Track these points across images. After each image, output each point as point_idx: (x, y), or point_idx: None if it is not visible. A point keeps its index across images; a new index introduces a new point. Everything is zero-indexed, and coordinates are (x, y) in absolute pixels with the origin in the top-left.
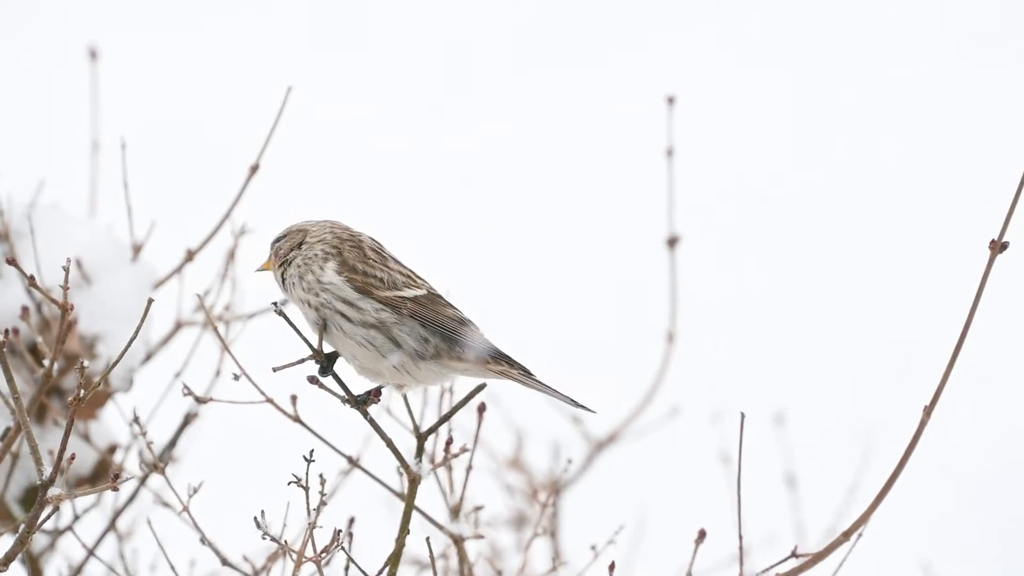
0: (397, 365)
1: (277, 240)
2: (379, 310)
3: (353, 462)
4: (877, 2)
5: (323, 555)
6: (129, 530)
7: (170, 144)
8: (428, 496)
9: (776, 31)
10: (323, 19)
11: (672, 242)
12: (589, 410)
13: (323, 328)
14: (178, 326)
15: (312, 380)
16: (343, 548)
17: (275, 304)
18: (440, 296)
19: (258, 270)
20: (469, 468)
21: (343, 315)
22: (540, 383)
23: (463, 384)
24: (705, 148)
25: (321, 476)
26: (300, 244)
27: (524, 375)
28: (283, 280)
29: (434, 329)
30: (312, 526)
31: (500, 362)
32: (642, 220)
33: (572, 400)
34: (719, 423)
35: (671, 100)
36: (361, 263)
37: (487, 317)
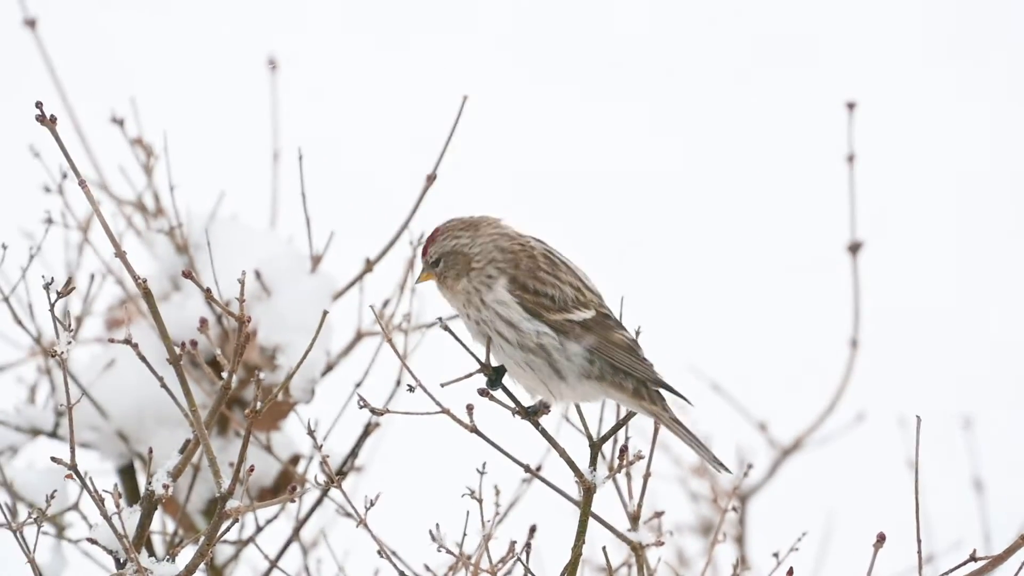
0: (554, 391)
1: (434, 263)
2: (541, 334)
3: (531, 471)
4: None
5: (498, 566)
6: (315, 541)
7: (349, 153)
8: (610, 504)
9: (972, 25)
10: (509, 30)
11: (854, 248)
12: (727, 470)
13: (489, 341)
14: (358, 336)
15: (482, 393)
16: (519, 559)
17: (440, 319)
18: (609, 315)
19: (418, 282)
20: (647, 475)
21: (502, 335)
22: (687, 433)
23: None
24: (889, 151)
25: (496, 487)
26: (470, 270)
27: (673, 421)
28: (454, 299)
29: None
30: (487, 537)
31: (655, 401)
32: (826, 226)
33: (713, 458)
34: (905, 428)
35: (851, 105)
36: (532, 280)
37: (661, 329)
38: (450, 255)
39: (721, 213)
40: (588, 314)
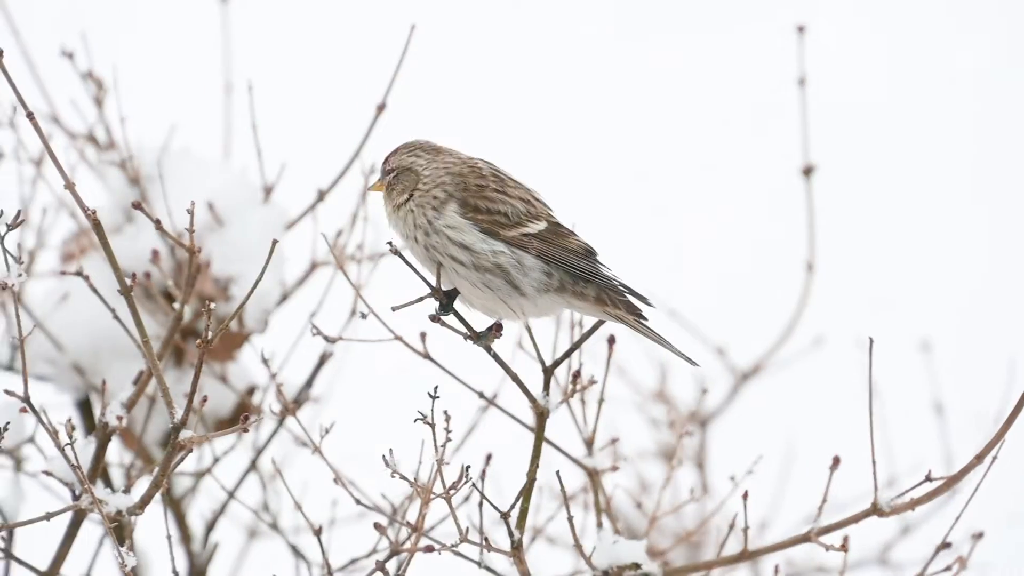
0: (515, 308)
1: (389, 172)
2: (497, 253)
3: (484, 397)
4: None
5: (451, 491)
6: (276, 470)
7: (300, 85)
8: (569, 431)
9: None
10: None
11: (808, 171)
12: (695, 363)
13: (439, 266)
14: (313, 267)
15: (433, 318)
16: (474, 485)
17: (390, 244)
18: (562, 226)
19: (370, 189)
20: (601, 400)
21: (455, 259)
22: (653, 332)
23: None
24: (839, 78)
25: (445, 413)
26: (414, 190)
27: (638, 321)
28: (395, 215)
29: (558, 263)
30: (440, 462)
31: (618, 305)
32: (782, 151)
33: (681, 353)
34: (863, 351)
35: (801, 29)
36: (482, 200)
37: (615, 256)
38: (405, 171)
39: (677, 141)
40: (541, 225)
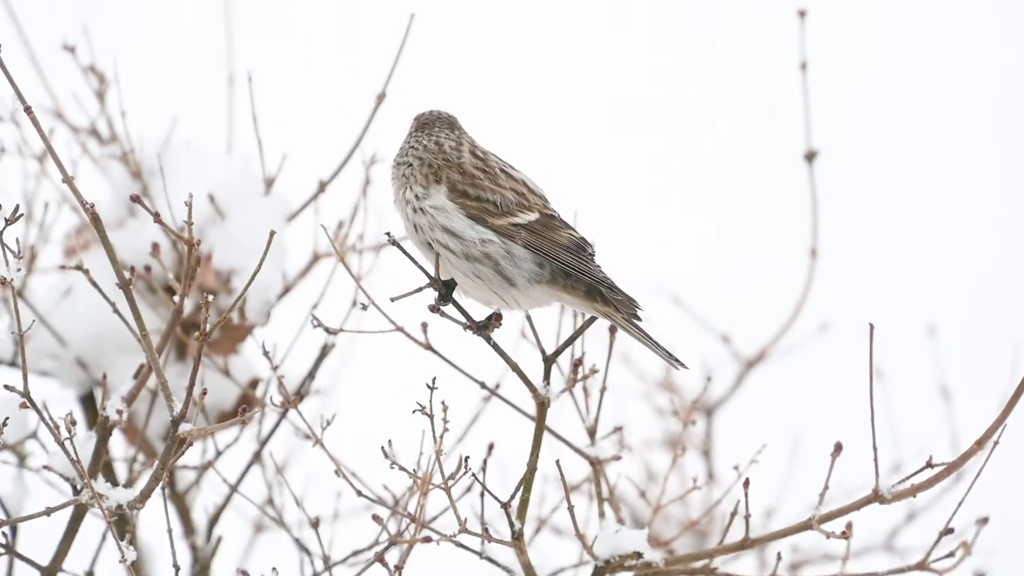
0: (507, 299)
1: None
2: (486, 242)
3: (486, 387)
4: None
5: (450, 481)
6: (283, 465)
7: (301, 75)
8: (575, 420)
9: None
10: None
11: (810, 157)
12: (683, 366)
13: (438, 256)
14: (315, 258)
15: (432, 308)
16: (474, 475)
17: (388, 234)
18: (554, 216)
19: None
20: (603, 388)
21: (446, 247)
22: (640, 332)
23: None
24: (841, 62)
25: (443, 403)
26: (398, 162)
27: (627, 321)
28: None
29: (545, 256)
30: (438, 453)
31: (609, 302)
32: (781, 136)
33: (668, 354)
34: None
35: (802, 13)
36: (472, 187)
37: (619, 242)
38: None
39: (680, 123)
40: (532, 216)
